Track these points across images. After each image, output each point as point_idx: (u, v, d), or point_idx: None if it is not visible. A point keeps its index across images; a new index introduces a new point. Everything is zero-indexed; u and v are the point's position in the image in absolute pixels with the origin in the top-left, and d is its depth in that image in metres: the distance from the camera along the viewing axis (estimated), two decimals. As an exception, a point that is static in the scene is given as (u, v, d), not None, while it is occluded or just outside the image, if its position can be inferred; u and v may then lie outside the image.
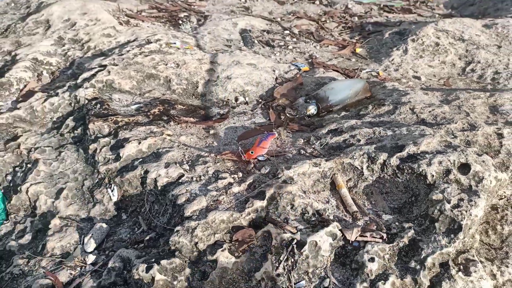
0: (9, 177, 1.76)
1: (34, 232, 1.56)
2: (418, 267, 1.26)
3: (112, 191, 1.58)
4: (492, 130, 1.65)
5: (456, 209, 1.32)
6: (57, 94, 2.07)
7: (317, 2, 3.62)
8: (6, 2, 3.21)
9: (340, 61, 2.52)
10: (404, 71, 2.37)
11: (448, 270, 1.24)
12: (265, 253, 1.27)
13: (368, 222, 1.41)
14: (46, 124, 1.98)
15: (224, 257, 1.22)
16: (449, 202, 1.34)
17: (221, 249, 1.24)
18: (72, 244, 1.46)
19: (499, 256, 1.42)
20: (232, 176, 1.51)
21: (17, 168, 1.78)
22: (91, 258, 1.39)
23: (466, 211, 1.31)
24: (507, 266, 1.36)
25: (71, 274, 1.36)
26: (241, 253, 1.25)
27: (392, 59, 2.47)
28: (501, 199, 1.57)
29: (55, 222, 1.53)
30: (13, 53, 2.48)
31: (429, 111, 1.81)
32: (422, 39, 2.57)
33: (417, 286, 1.23)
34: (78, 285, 1.32)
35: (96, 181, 1.66)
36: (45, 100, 2.03)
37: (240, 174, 1.52)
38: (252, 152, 1.59)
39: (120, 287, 1.30)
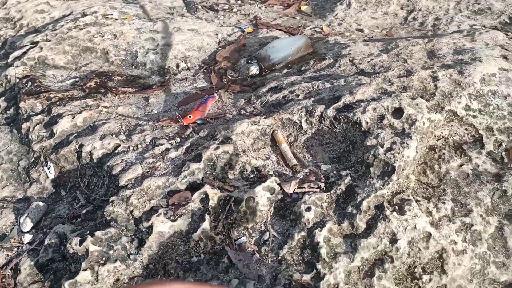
0: None
1: (-31, 218, 1.50)
2: (354, 211, 1.28)
3: (48, 168, 1.53)
4: (428, 74, 1.66)
5: (389, 152, 1.34)
6: (-14, 76, 1.96)
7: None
8: None
9: (285, 20, 2.48)
10: (348, 25, 2.35)
11: (383, 212, 1.27)
12: (203, 214, 1.26)
13: (308, 173, 1.42)
14: (-23, 108, 1.88)
15: (160, 222, 1.21)
16: (382, 146, 1.35)
17: (156, 214, 1.22)
18: (8, 225, 1.41)
19: (436, 194, 1.46)
20: (170, 141, 1.48)
21: None
22: (28, 238, 1.35)
23: (398, 153, 1.33)
24: (443, 203, 1.40)
25: (7, 255, 1.32)
26: (177, 216, 1.24)
27: (336, 14, 2.44)
28: (439, 139, 1.61)
29: (-10, 206, 1.47)
30: None
31: (368, 61, 1.81)
32: (366, -8, 2.54)
33: (354, 230, 1.26)
34: (15, 265, 1.29)
35: (32, 160, 1.60)
36: (-26, 83, 1.92)
37: (178, 139, 1.49)
38: (190, 116, 1.56)
39: (59, 262, 1.28)
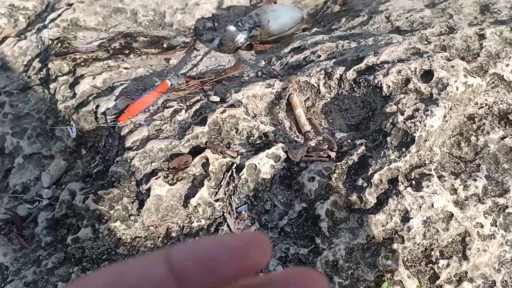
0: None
1: (3, 172, 1.61)
2: (364, 184, 1.17)
3: (71, 128, 1.58)
4: (473, 31, 1.44)
5: (409, 121, 1.19)
6: (25, 38, 2.04)
7: None
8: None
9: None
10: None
11: (396, 187, 1.15)
12: (203, 179, 1.23)
13: (321, 141, 1.32)
14: (18, 68, 1.98)
15: (158, 185, 1.19)
16: (402, 113, 1.21)
17: (155, 177, 1.21)
18: (33, 180, 1.50)
19: (468, 170, 1.29)
20: (180, 104, 1.45)
21: (-12, 113, 1.81)
22: (47, 193, 1.43)
23: (420, 122, 1.18)
24: (474, 180, 1.24)
25: (29, 208, 1.41)
26: (176, 180, 1.22)
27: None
28: (481, 107, 1.41)
29: (18, 161, 1.57)
30: (-10, 1, 2.46)
31: (406, 18, 1.61)
32: None
33: (362, 204, 1.16)
34: (33, 218, 1.37)
35: (59, 119, 1.66)
36: (15, 45, 2.02)
37: (188, 103, 1.45)
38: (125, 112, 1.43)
39: (72, 218, 1.33)
